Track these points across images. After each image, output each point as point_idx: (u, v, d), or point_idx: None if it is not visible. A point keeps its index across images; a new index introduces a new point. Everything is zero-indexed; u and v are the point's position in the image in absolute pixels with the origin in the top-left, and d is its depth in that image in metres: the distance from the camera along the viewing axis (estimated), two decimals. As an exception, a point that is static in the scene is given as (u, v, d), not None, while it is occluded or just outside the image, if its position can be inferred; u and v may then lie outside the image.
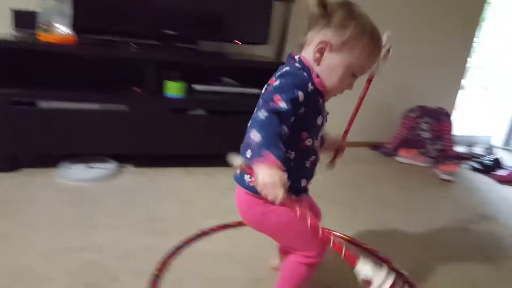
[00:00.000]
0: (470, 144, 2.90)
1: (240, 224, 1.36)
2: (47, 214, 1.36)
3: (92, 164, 1.79)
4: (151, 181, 1.75)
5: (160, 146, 1.86)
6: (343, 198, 1.83)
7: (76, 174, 1.69)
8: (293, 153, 0.87)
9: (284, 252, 1.07)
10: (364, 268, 0.67)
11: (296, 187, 0.89)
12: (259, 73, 2.03)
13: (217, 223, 1.38)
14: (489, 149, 2.86)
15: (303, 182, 0.93)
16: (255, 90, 1.92)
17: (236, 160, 0.75)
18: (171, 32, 1.87)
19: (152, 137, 1.82)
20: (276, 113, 0.74)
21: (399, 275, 1.19)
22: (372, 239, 1.42)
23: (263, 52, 2.22)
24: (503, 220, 1.82)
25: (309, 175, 0.94)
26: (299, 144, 0.87)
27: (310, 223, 0.71)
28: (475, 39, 2.92)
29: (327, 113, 0.93)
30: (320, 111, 0.88)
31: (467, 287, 1.23)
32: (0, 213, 1.33)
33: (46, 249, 1.16)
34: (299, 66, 0.86)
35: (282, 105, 0.75)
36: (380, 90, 2.76)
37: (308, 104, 0.82)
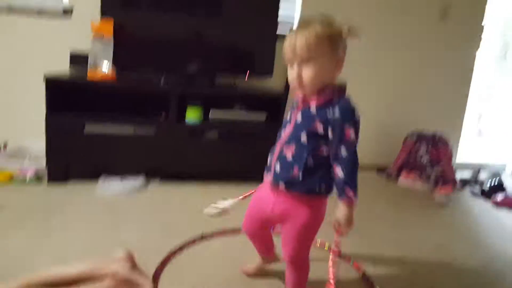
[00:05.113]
0: (477, 170, 2.84)
1: (234, 232, 1.65)
2: (85, 218, 1.73)
3: (125, 178, 2.16)
4: (171, 193, 2.08)
5: (180, 165, 2.21)
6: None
7: (111, 187, 2.06)
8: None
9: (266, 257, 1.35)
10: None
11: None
12: (265, 102, 2.34)
13: (216, 229, 1.68)
14: (495, 175, 2.77)
15: None
16: (260, 116, 2.24)
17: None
18: (194, 67, 2.22)
19: (173, 158, 2.18)
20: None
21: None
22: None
23: (266, 83, 2.50)
24: (492, 245, 1.80)
25: None
26: None
27: None
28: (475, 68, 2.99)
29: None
30: None
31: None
32: (50, 213, 1.73)
33: (82, 246, 1.51)
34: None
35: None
36: (383, 113, 2.94)
37: None
